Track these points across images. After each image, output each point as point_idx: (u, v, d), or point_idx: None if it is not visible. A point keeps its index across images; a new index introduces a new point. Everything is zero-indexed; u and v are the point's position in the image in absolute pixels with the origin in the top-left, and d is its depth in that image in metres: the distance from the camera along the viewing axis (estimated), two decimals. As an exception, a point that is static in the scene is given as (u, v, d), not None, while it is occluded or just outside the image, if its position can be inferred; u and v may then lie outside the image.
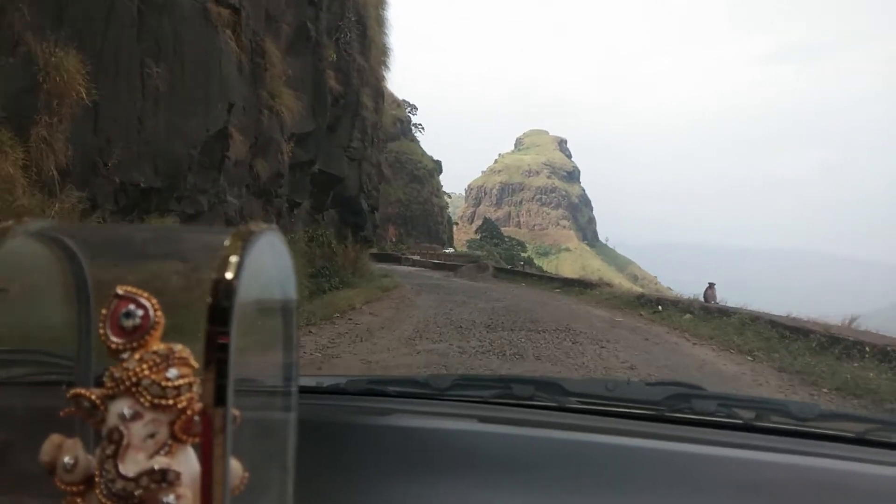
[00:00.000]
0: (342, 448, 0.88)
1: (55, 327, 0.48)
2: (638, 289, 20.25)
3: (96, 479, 0.39)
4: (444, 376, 1.24)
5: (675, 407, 1.10)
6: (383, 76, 18.07)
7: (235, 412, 0.36)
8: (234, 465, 0.38)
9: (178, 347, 0.39)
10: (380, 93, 17.91)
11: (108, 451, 0.38)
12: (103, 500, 0.38)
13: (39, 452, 0.40)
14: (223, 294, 0.35)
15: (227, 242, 0.37)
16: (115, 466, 0.37)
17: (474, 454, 0.89)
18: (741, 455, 0.91)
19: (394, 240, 37.73)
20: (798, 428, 1.05)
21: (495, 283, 21.67)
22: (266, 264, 0.39)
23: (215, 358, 0.35)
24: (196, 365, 0.39)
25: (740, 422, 1.07)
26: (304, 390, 1.13)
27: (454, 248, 45.75)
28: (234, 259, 0.36)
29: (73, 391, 0.39)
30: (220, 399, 0.35)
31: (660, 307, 12.98)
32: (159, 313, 0.39)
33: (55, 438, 0.41)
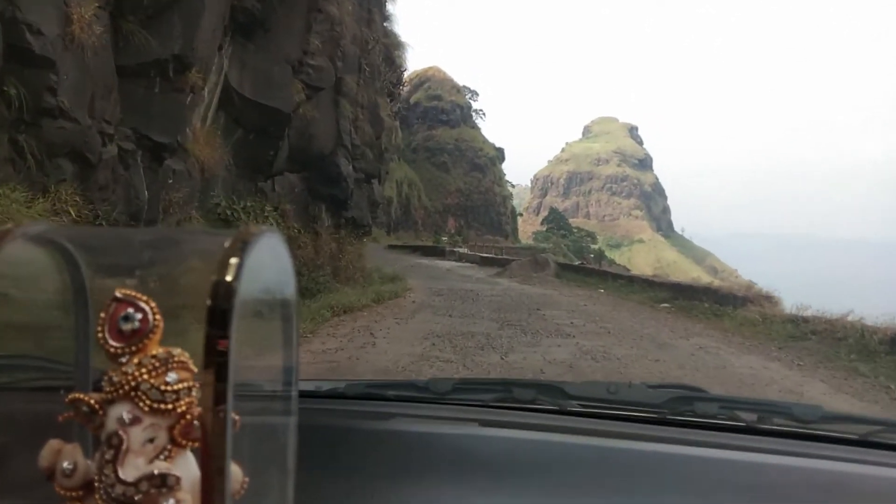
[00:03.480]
0: (342, 452, 0.87)
1: (53, 331, 0.48)
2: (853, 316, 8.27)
3: (95, 484, 0.38)
4: (444, 380, 1.24)
5: (678, 410, 1.10)
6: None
7: (235, 416, 0.36)
8: (235, 470, 0.38)
9: (176, 351, 0.39)
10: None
11: (108, 456, 0.37)
12: None
13: (38, 457, 0.40)
14: (223, 296, 0.34)
15: (226, 244, 0.36)
16: (115, 471, 0.37)
17: (475, 458, 0.88)
18: (744, 458, 0.91)
19: (452, 231, 35.81)
20: (801, 430, 1.04)
21: (558, 286, 14.38)
22: (266, 266, 0.39)
23: (215, 361, 0.34)
24: (195, 369, 0.39)
25: (743, 424, 1.06)
26: (302, 394, 1.13)
27: (519, 240, 42.71)
28: (233, 261, 0.35)
29: (71, 396, 0.39)
30: (219, 403, 0.35)
31: None
32: (158, 317, 0.39)
33: (54, 443, 0.41)
